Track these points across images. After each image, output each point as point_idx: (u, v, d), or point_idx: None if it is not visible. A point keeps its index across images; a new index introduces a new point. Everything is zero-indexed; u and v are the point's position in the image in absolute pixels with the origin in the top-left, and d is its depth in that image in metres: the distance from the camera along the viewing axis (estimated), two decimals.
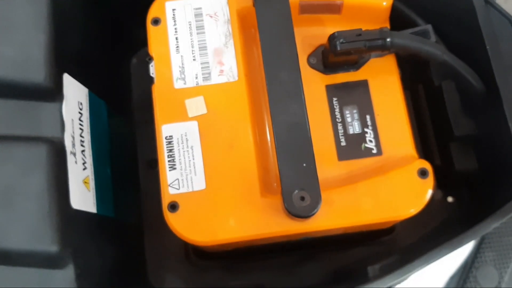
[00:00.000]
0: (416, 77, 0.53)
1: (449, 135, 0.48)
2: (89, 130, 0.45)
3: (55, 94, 0.40)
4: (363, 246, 0.52)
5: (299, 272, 0.52)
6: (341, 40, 0.41)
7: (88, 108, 0.46)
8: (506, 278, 0.57)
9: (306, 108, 0.39)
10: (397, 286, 0.42)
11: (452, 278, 0.57)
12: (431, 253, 0.39)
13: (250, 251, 0.47)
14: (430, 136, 0.52)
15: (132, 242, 0.52)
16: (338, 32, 0.41)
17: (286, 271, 0.52)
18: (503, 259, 0.58)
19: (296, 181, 0.37)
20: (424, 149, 0.53)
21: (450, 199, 0.53)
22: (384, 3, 0.44)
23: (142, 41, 0.45)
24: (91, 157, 0.45)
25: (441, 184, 0.53)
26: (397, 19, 0.47)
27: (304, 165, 0.38)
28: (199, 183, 0.40)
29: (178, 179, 0.40)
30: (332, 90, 0.44)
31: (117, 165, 0.51)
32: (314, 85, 0.44)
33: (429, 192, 0.40)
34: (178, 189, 0.40)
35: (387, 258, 0.47)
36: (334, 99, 0.44)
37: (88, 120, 0.45)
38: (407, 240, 0.52)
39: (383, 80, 0.44)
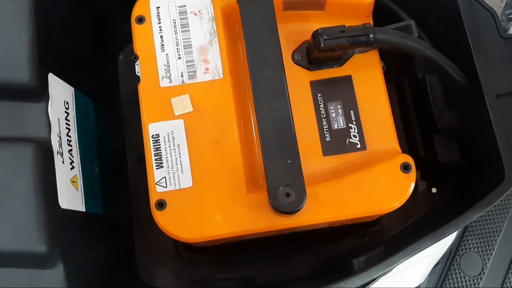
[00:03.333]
0: (401, 69, 0.54)
1: (433, 127, 0.49)
2: (76, 129, 0.45)
3: (40, 94, 0.40)
4: (350, 237, 0.53)
5: (287, 263, 0.53)
6: (324, 37, 0.41)
7: (74, 107, 0.46)
8: (489, 265, 0.59)
9: (290, 105, 0.39)
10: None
11: (436, 265, 0.59)
12: (415, 245, 0.40)
13: (239, 244, 0.48)
14: (415, 128, 0.53)
15: (122, 237, 0.52)
16: (321, 28, 0.42)
17: (275, 263, 0.53)
18: (486, 247, 0.59)
19: (281, 178, 0.38)
20: (408, 141, 0.54)
21: (434, 189, 0.54)
22: None
23: (129, 37, 0.45)
24: (79, 156, 0.45)
25: (425, 175, 0.54)
26: (381, 14, 0.48)
27: (289, 161, 0.38)
28: (186, 180, 0.41)
29: (165, 177, 0.41)
30: (317, 86, 0.45)
31: (106, 162, 0.51)
32: (299, 81, 0.45)
33: (412, 186, 0.41)
34: (165, 187, 0.41)
35: (374, 249, 0.48)
36: (319, 95, 0.45)
37: (75, 119, 0.45)
38: (393, 230, 0.53)
39: (367, 76, 0.45)
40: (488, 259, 0.59)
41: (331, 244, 0.52)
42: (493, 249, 0.59)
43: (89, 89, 0.50)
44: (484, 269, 0.59)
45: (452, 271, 0.59)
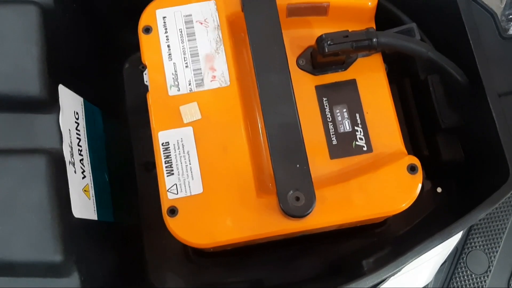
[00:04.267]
0: (403, 71, 0.54)
1: (436, 127, 0.49)
2: (86, 139, 0.46)
3: (51, 105, 0.41)
4: (357, 238, 0.53)
5: (296, 265, 0.53)
6: (328, 42, 0.42)
7: (84, 116, 0.46)
8: (495, 263, 0.59)
9: (297, 110, 0.40)
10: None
11: (443, 264, 0.59)
12: (424, 244, 0.41)
13: (248, 248, 0.49)
14: (418, 127, 0.54)
15: (132, 244, 0.53)
16: (325, 34, 0.42)
17: (283, 265, 0.53)
18: (492, 244, 0.60)
19: (290, 182, 0.38)
20: (412, 141, 0.54)
21: (439, 189, 0.55)
22: (369, 3, 0.45)
23: (134, 46, 0.46)
24: (89, 165, 0.46)
25: (430, 174, 0.54)
26: (383, 17, 0.48)
27: (298, 166, 0.39)
28: (196, 187, 0.41)
29: (176, 184, 0.41)
30: (322, 90, 0.45)
31: (114, 170, 0.52)
32: (304, 86, 0.45)
33: (419, 187, 0.42)
34: (177, 194, 0.41)
35: (381, 250, 0.49)
36: (324, 99, 0.45)
37: (85, 129, 0.46)
38: (399, 230, 0.53)
39: (371, 79, 0.45)
40: (494, 256, 0.59)
41: (339, 246, 0.53)
42: (499, 247, 0.60)
43: (96, 98, 0.50)
44: (490, 267, 0.59)
45: (459, 269, 0.59)
